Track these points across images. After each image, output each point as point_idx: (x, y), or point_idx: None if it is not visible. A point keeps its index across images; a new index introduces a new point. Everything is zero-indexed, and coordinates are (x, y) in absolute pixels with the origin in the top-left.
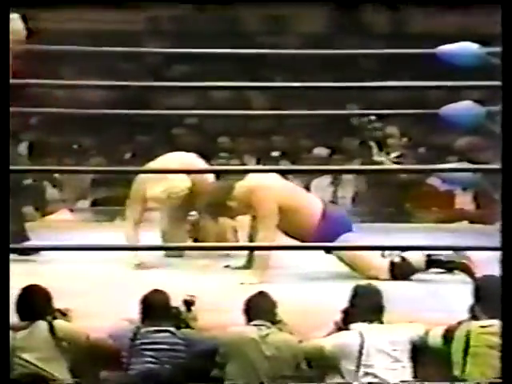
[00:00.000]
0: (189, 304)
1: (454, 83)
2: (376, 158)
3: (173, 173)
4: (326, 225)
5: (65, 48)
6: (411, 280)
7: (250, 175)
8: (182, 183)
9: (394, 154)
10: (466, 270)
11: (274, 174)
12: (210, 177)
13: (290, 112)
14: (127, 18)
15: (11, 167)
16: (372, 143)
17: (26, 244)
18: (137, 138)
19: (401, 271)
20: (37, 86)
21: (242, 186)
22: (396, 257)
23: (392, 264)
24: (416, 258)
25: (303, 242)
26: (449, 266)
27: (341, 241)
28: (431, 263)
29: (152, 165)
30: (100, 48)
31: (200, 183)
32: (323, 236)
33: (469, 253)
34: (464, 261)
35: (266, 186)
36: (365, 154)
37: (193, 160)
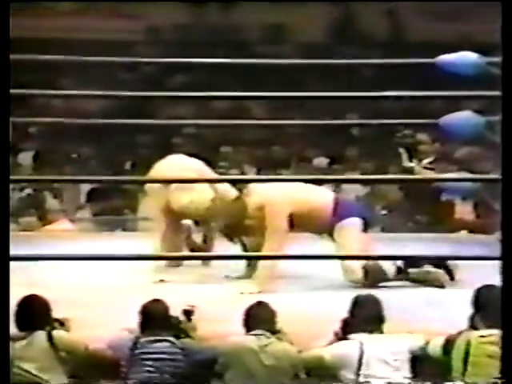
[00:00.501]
0: (188, 314)
1: (454, 93)
2: (406, 164)
3: (175, 182)
4: (340, 214)
5: (64, 58)
6: (380, 287)
7: (258, 190)
8: (207, 194)
9: (426, 161)
10: (436, 283)
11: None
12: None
13: (289, 121)
14: (126, 27)
15: (11, 177)
16: (402, 150)
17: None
18: (136, 147)
19: (372, 277)
20: (37, 96)
21: (253, 203)
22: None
23: (365, 269)
24: (387, 266)
25: (320, 233)
26: (417, 279)
27: (345, 224)
28: (400, 273)
29: (156, 167)
30: (99, 58)
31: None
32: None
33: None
34: (433, 276)
35: (274, 201)
36: (394, 161)
37: (198, 165)
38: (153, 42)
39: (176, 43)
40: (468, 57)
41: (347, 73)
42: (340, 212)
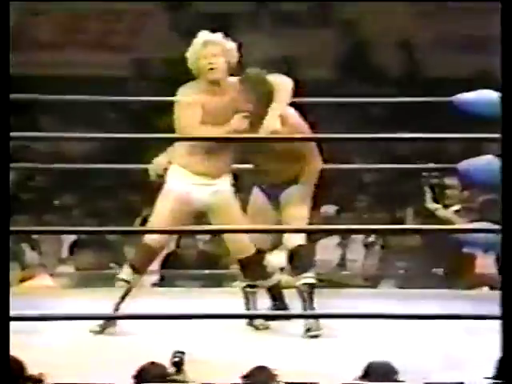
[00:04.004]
0: (178, 364)
1: (473, 135)
2: (429, 205)
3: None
4: None
5: (45, 97)
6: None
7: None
8: None
9: (452, 208)
10: None
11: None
12: None
13: None
14: (112, 60)
15: (11, 228)
16: (426, 189)
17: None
18: (124, 193)
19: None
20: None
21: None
22: None
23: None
24: None
25: None
26: None
27: None
28: None
29: None
30: (82, 96)
31: None
32: None
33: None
34: None
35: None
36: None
37: None
38: (141, 77)
39: (166, 78)
40: (487, 95)
41: (358, 111)
42: None
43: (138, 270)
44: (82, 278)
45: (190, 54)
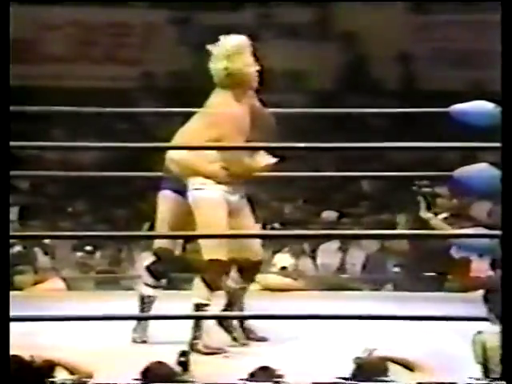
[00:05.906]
0: (184, 364)
1: (468, 144)
2: (423, 214)
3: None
4: None
5: (56, 109)
6: None
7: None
8: None
9: (442, 215)
10: None
11: None
12: None
13: (297, 174)
14: (121, 73)
15: (11, 233)
16: (420, 198)
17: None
18: (134, 200)
19: None
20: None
21: None
22: None
23: None
24: None
25: None
26: None
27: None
28: None
29: None
30: (92, 108)
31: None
32: None
33: None
34: None
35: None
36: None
37: None
38: (149, 89)
39: (174, 90)
40: (483, 106)
41: (358, 122)
42: None
43: (212, 287)
44: (93, 281)
45: (233, 61)
